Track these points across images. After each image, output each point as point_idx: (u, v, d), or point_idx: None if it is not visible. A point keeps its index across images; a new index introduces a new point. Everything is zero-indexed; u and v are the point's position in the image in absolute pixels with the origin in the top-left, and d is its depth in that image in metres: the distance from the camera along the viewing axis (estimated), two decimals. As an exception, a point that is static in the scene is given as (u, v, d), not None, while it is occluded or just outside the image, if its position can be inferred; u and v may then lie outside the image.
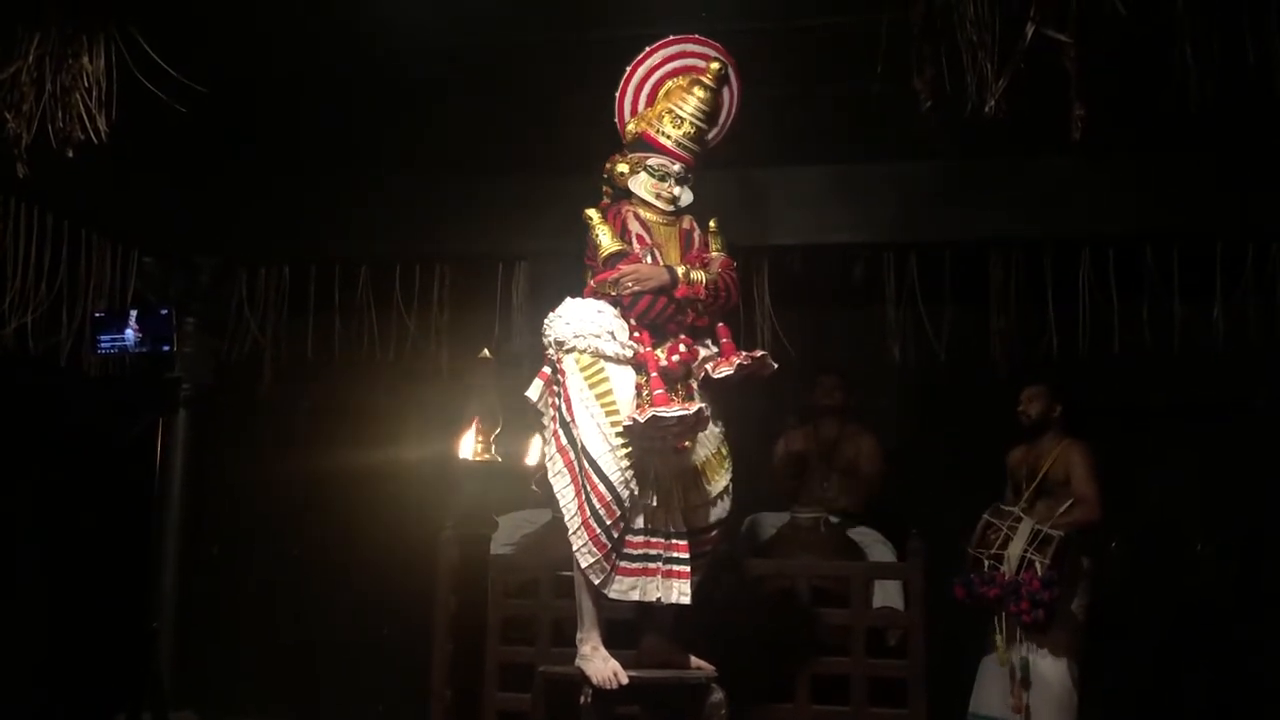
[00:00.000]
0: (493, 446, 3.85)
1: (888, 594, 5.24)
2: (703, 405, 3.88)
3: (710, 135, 4.30)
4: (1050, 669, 5.02)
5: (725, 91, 4.29)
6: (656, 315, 4.01)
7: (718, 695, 4.05)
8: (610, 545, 3.89)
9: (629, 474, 3.88)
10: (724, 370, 3.98)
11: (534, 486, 4.28)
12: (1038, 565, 4.95)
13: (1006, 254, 5.71)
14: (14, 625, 5.93)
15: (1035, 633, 5.01)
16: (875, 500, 5.89)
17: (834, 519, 5.69)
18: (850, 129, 5.30)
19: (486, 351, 4.05)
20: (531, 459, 4.17)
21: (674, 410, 3.81)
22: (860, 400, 6.07)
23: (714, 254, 4.21)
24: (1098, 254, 5.59)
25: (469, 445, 3.78)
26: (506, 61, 5.06)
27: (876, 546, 5.59)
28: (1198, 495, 5.97)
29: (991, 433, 5.70)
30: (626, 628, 4.24)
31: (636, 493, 3.91)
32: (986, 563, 5.11)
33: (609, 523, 3.87)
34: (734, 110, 4.33)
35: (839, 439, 5.95)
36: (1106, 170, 5.39)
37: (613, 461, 3.87)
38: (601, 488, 3.87)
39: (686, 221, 4.25)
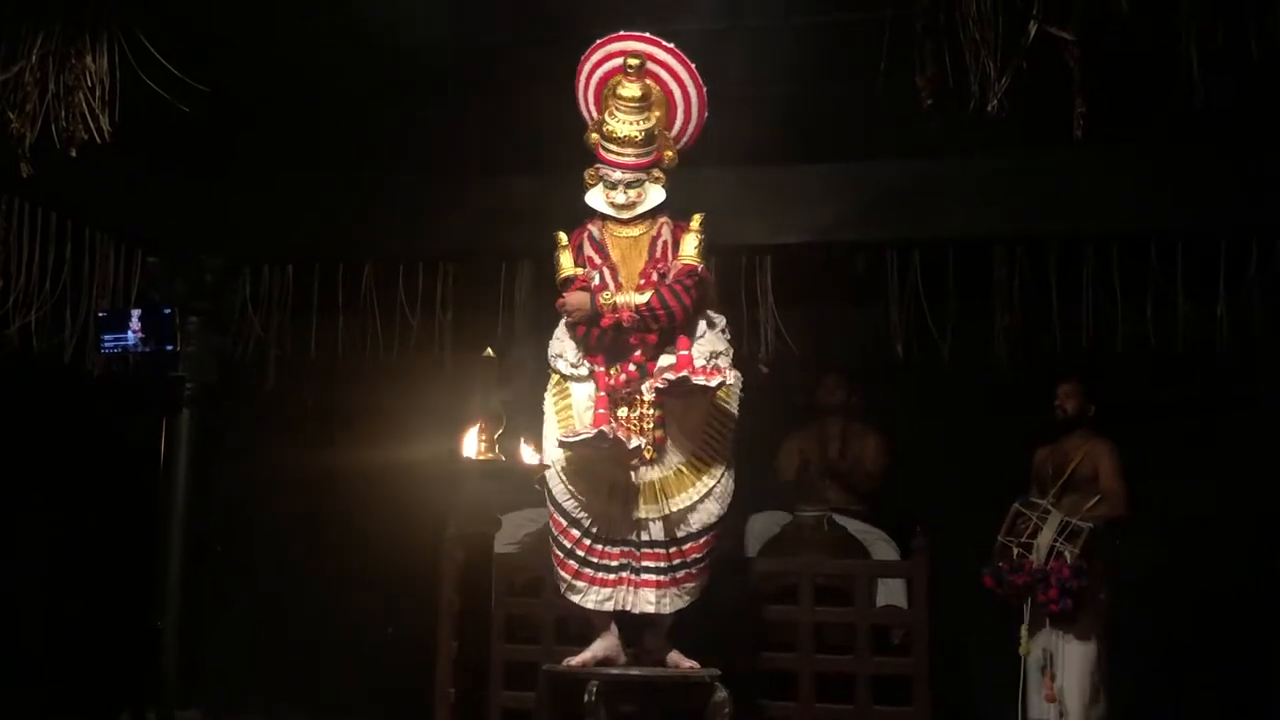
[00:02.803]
0: (496, 446, 3.86)
1: (891, 592, 5.23)
2: (606, 429, 3.92)
3: (673, 131, 4.19)
4: (1077, 654, 5.06)
5: (669, 85, 4.14)
6: (595, 342, 4.09)
7: (721, 694, 4.06)
8: (564, 555, 4.12)
9: (575, 487, 4.05)
10: (649, 395, 4.01)
11: (536, 485, 4.30)
12: (1067, 555, 4.99)
13: (1010, 251, 5.70)
14: (19, 623, 5.93)
15: (1062, 622, 5.04)
16: (877, 496, 5.88)
17: (837, 517, 5.68)
18: (853, 126, 5.29)
19: (490, 350, 4.05)
20: (531, 458, 4.17)
21: (576, 437, 3.93)
22: (864, 399, 6.06)
23: (677, 262, 4.12)
24: (1101, 251, 5.58)
25: (472, 444, 3.78)
26: (511, 61, 5.06)
27: (880, 545, 5.58)
28: (1201, 491, 5.95)
29: (995, 430, 5.69)
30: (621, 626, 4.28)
31: (588, 504, 4.05)
32: (1015, 550, 5.14)
33: (561, 537, 4.13)
34: (692, 101, 4.18)
35: (844, 438, 5.94)
36: (1110, 167, 5.38)
37: (556, 476, 4.07)
38: (554, 510, 4.12)
39: (657, 227, 4.19)
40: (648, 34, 4.14)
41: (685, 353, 4.06)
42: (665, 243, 4.17)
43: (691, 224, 4.17)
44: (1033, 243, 5.65)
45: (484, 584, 3.74)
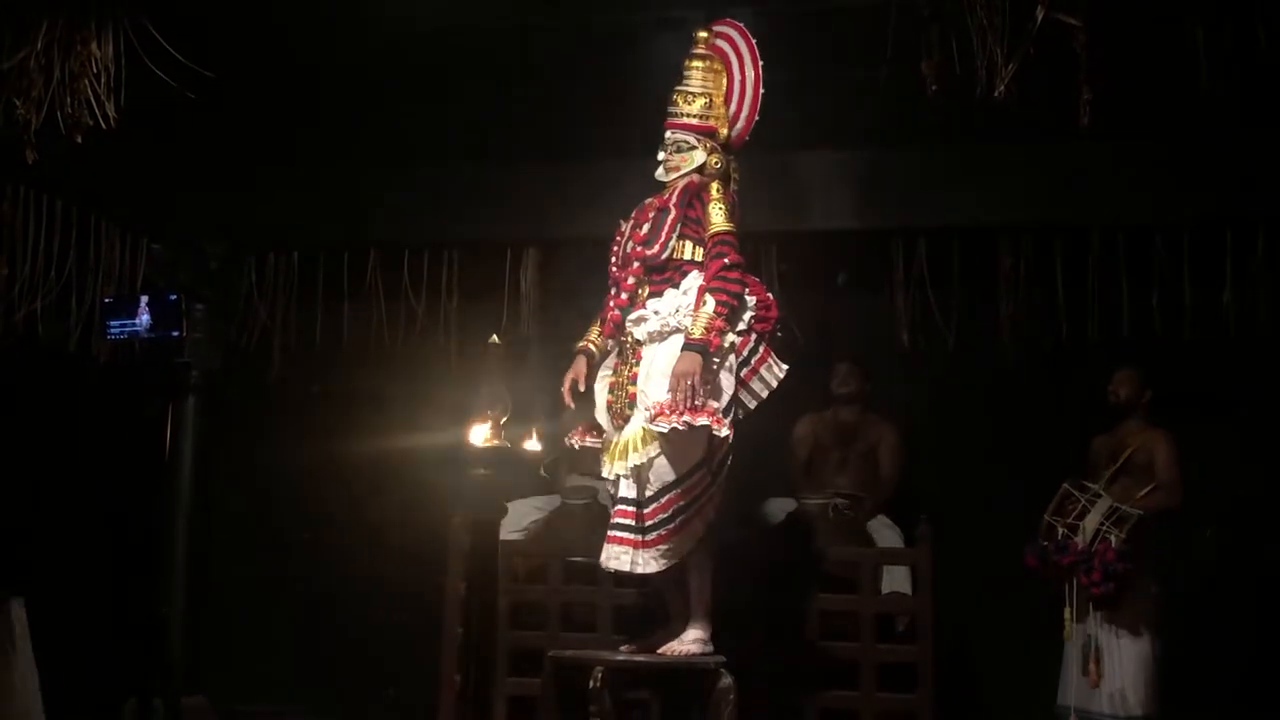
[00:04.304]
0: (501, 432, 3.87)
1: (896, 579, 5.24)
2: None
3: (730, 109, 4.24)
4: (1132, 650, 5.07)
5: (729, 66, 4.23)
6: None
7: (726, 680, 4.06)
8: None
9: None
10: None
11: (542, 472, 4.30)
12: (1113, 539, 5.01)
13: (1016, 240, 5.70)
14: (25, 610, 5.94)
15: (1105, 607, 5.06)
16: (892, 493, 5.86)
17: (842, 504, 5.67)
18: (858, 113, 5.29)
19: (495, 337, 4.06)
20: (535, 445, 4.18)
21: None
22: (875, 387, 6.05)
23: (712, 243, 4.07)
24: (1107, 239, 5.57)
25: (478, 431, 3.79)
26: (515, 48, 5.05)
27: (884, 532, 5.58)
28: (1203, 483, 5.95)
29: (1000, 417, 5.69)
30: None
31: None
32: (1061, 530, 5.14)
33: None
34: (746, 88, 4.25)
35: (856, 427, 5.93)
36: (1116, 155, 5.37)
37: None
38: None
39: (670, 189, 4.15)
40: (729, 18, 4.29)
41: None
42: (676, 189, 4.13)
43: (714, 192, 4.12)
44: (1038, 231, 5.65)
45: (490, 571, 3.76)
